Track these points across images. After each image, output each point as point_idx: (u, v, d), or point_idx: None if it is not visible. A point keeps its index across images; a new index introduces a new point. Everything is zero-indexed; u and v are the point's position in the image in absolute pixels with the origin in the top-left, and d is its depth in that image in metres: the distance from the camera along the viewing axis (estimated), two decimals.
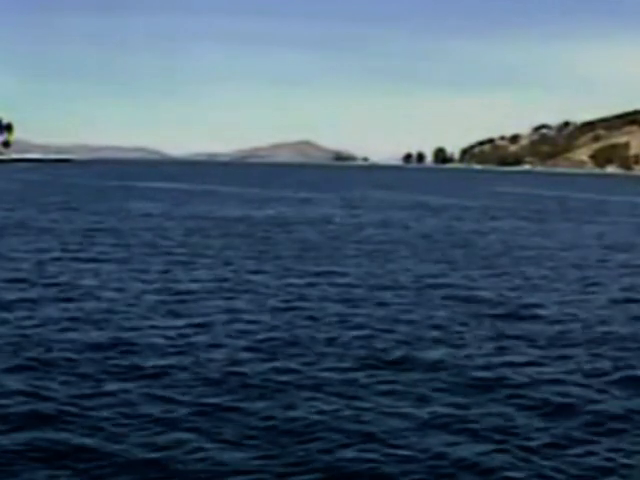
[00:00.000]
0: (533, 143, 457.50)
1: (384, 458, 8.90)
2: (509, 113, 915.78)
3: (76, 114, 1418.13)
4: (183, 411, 10.36)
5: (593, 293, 20.89)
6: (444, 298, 19.36)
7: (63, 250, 27.34)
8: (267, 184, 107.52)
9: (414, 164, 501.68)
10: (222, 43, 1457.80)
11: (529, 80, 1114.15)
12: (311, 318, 16.45)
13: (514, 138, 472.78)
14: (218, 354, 13.28)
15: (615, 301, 19.65)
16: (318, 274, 22.92)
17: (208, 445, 9.20)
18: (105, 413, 10.22)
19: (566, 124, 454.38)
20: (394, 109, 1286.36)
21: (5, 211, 44.87)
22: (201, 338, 14.40)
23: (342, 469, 8.63)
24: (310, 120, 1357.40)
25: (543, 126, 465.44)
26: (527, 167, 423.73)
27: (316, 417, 10.22)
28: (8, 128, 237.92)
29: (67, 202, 55.01)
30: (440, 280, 22.43)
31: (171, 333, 14.74)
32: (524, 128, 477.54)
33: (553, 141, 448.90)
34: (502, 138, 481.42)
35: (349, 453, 9.03)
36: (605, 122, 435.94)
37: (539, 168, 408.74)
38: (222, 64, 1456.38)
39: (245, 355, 13.27)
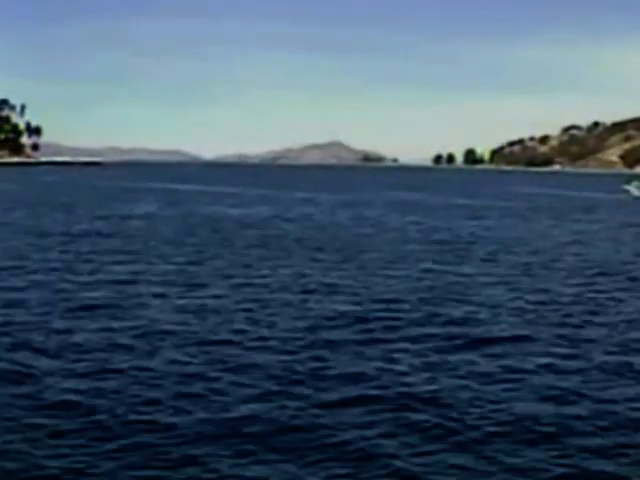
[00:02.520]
0: (563, 144, 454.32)
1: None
2: (539, 114, 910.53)
3: (109, 117, 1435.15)
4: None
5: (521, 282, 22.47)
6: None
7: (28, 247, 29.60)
8: (281, 185, 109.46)
9: (444, 165, 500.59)
10: (255, 48, 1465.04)
11: (559, 81, 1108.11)
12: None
13: (544, 139, 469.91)
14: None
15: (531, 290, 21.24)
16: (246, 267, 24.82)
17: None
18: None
19: (596, 124, 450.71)
20: (425, 111, 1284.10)
21: None
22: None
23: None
24: (341, 122, 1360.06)
25: (573, 127, 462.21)
26: (557, 168, 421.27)
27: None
28: (37, 131, 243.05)
29: (67, 204, 57.22)
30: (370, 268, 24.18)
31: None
32: (554, 129, 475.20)
33: (583, 142, 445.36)
34: (532, 139, 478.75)
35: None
36: (636, 122, 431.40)
37: (568, 169, 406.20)
38: (255, 68, 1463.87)
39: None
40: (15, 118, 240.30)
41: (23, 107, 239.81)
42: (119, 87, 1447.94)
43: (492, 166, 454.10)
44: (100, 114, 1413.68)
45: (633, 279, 23.80)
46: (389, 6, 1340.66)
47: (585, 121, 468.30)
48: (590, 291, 21.27)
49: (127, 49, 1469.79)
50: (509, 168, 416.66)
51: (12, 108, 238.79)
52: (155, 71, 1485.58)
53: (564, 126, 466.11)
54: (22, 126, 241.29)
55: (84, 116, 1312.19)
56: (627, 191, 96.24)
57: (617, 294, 20.82)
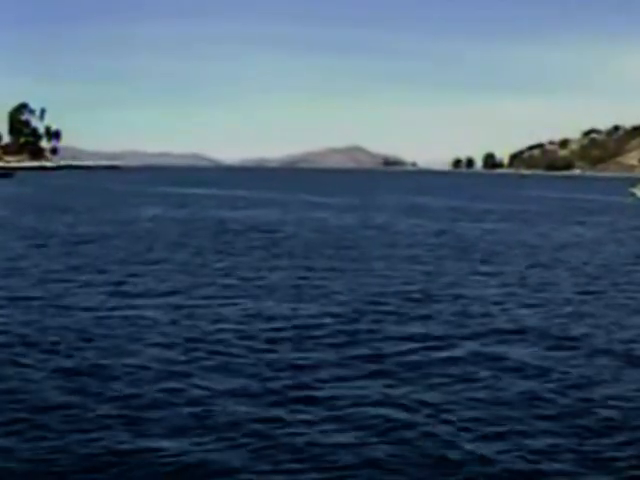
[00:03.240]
0: (583, 147, 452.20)
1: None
2: (559, 118, 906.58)
3: (129, 121, 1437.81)
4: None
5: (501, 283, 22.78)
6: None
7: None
8: (292, 189, 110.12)
9: (463, 169, 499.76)
10: (274, 50, 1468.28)
11: (579, 84, 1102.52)
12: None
13: (564, 143, 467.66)
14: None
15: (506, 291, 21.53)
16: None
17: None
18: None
19: (616, 128, 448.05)
20: (444, 114, 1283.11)
21: None
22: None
23: None
24: (361, 126, 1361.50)
25: (593, 130, 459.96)
26: (577, 172, 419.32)
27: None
28: (56, 135, 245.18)
29: (70, 207, 57.92)
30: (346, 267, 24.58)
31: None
32: (574, 132, 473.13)
33: (603, 145, 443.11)
34: (551, 143, 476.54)
35: None
36: None
37: (589, 173, 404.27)
38: (274, 71, 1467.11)
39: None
40: (34, 122, 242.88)
41: (43, 111, 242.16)
42: (139, 91, 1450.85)
43: (511, 170, 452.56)
44: (121, 118, 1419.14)
45: (630, 281, 24.00)
46: (400, 8, 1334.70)
47: (605, 125, 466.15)
48: (583, 292, 21.43)
49: (146, 53, 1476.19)
50: (528, 172, 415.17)
51: (31, 112, 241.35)
52: (175, 74, 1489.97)
53: (584, 130, 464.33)
54: (41, 130, 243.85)
55: (105, 120, 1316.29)
56: (634, 194, 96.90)
57: (612, 294, 21.10)
